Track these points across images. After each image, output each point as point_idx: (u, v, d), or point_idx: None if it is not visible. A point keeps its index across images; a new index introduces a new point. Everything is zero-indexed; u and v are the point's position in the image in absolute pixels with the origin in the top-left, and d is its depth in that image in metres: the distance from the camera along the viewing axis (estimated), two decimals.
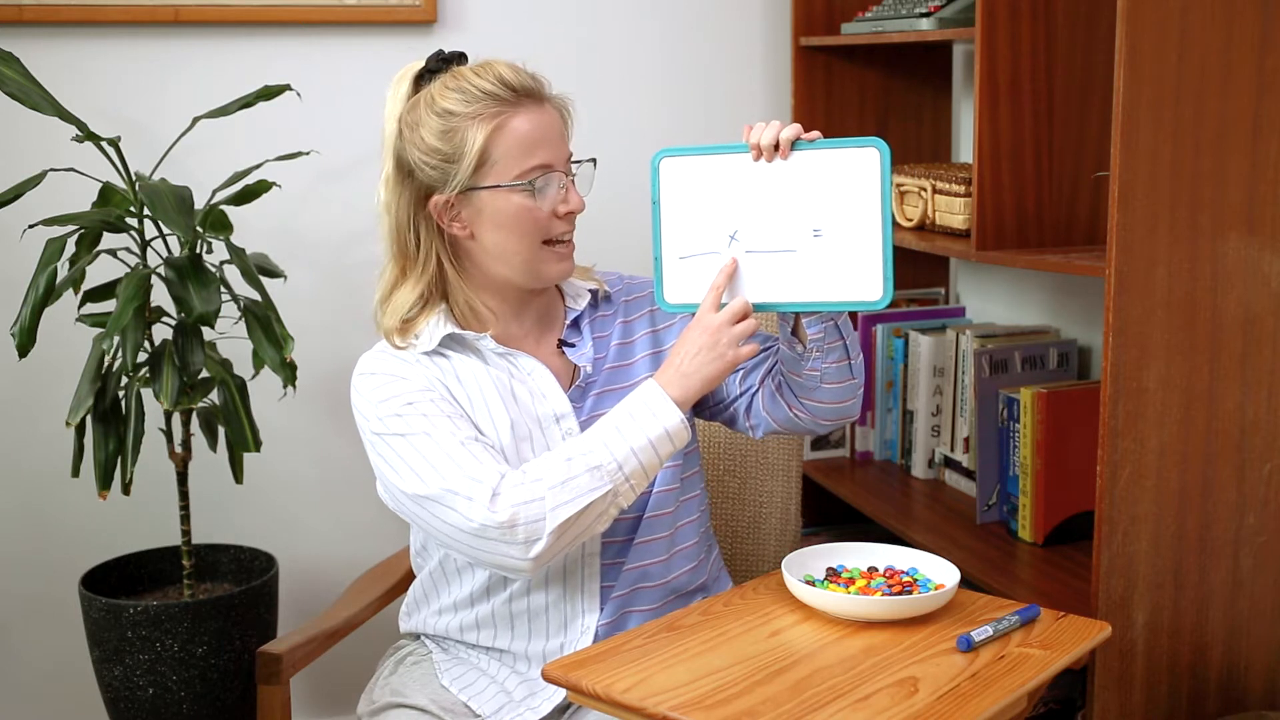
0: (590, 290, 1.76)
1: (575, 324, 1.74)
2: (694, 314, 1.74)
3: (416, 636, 1.83)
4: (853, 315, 1.69)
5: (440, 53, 1.66)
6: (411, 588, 1.82)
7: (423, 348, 1.65)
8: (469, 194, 1.60)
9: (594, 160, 1.68)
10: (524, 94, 1.60)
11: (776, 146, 1.57)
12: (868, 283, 1.56)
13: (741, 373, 1.73)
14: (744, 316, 1.57)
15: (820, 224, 1.57)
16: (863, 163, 1.55)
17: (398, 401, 1.60)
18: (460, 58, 1.66)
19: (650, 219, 1.63)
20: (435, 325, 1.65)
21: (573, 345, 1.73)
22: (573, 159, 1.66)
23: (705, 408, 1.78)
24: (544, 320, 1.73)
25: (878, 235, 1.55)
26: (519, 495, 1.52)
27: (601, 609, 1.68)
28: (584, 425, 1.67)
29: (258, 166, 2.31)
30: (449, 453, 1.55)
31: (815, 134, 1.57)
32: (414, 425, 1.58)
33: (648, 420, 1.55)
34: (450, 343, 1.67)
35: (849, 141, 1.56)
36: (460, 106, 1.59)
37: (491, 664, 1.72)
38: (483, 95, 1.59)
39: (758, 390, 1.72)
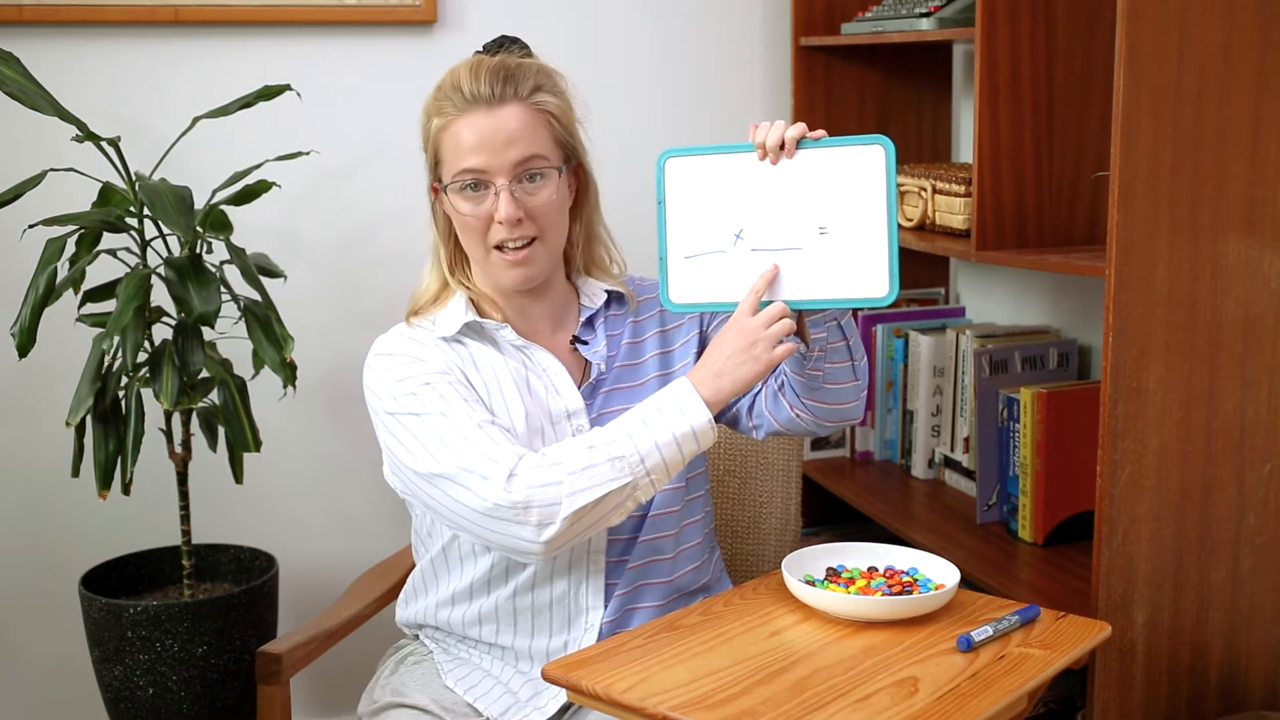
0: (606, 290, 1.76)
1: (589, 322, 1.75)
2: (700, 313, 1.74)
3: (416, 636, 1.83)
4: (854, 315, 1.69)
5: (502, 38, 1.69)
6: (411, 576, 1.82)
7: (441, 332, 1.66)
8: (440, 185, 1.67)
9: (558, 169, 1.64)
10: (475, 99, 1.61)
11: (782, 146, 1.57)
12: (874, 279, 1.56)
13: None
14: (781, 318, 1.56)
15: (826, 222, 1.57)
16: (868, 160, 1.55)
17: (414, 381, 1.60)
18: (515, 43, 1.68)
19: (655, 219, 1.63)
20: (456, 310, 1.67)
21: (585, 343, 1.73)
22: (527, 166, 1.62)
23: None
24: (557, 317, 1.74)
25: (883, 232, 1.55)
26: (537, 477, 1.51)
27: (605, 606, 1.68)
28: (594, 423, 1.67)
29: (258, 166, 2.32)
30: (465, 433, 1.55)
31: (820, 132, 1.57)
32: (430, 405, 1.58)
33: (675, 416, 1.54)
34: (468, 331, 1.67)
35: (854, 139, 1.56)
36: (431, 105, 1.66)
37: (495, 664, 1.72)
38: (445, 97, 1.64)
39: (759, 390, 1.73)
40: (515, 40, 1.69)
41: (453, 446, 1.54)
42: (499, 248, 1.63)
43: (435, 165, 1.66)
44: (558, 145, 1.65)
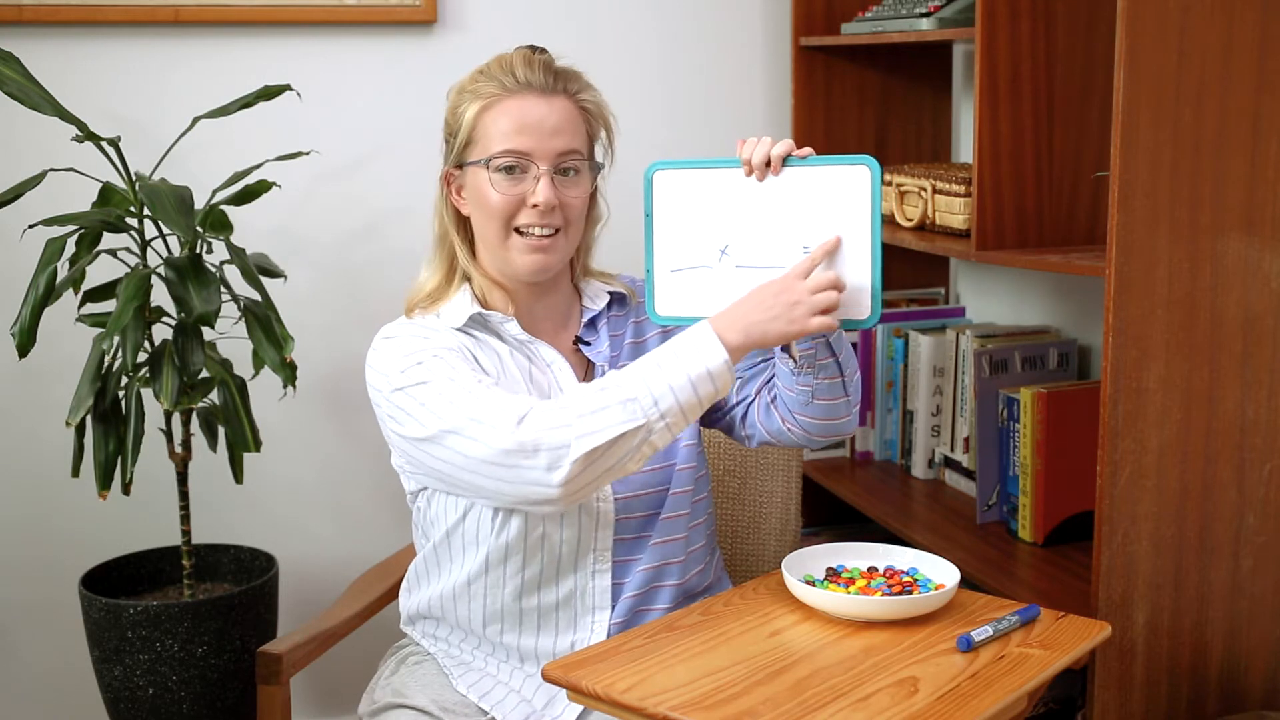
0: (609, 293, 1.76)
1: (592, 323, 1.75)
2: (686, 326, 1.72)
3: (416, 627, 1.82)
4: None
5: (533, 46, 1.70)
6: (412, 564, 1.80)
7: (448, 323, 1.66)
8: (463, 169, 1.66)
9: (597, 164, 1.68)
10: (529, 85, 1.63)
11: (768, 163, 1.57)
12: (856, 301, 1.56)
13: (739, 381, 1.73)
14: (831, 288, 1.52)
15: (810, 241, 1.57)
16: (853, 180, 1.55)
17: (423, 353, 1.59)
18: (544, 52, 1.69)
19: (643, 230, 1.63)
20: (461, 303, 1.67)
21: (589, 344, 1.73)
22: (568, 158, 1.64)
23: (702, 415, 1.78)
24: (559, 318, 1.74)
25: (867, 253, 1.55)
26: (546, 420, 1.48)
27: (613, 606, 1.68)
28: None
29: (258, 166, 2.32)
30: (472, 390, 1.53)
31: (807, 150, 1.58)
32: (437, 372, 1.56)
33: (691, 357, 1.50)
34: (473, 324, 1.68)
35: (840, 159, 1.56)
36: (472, 85, 1.65)
37: (501, 667, 1.71)
38: (492, 78, 1.64)
39: (753, 400, 1.73)
40: (544, 50, 1.70)
41: (459, 402, 1.52)
42: (519, 231, 1.63)
43: (464, 146, 1.65)
44: (591, 147, 1.69)
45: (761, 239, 1.58)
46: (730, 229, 1.59)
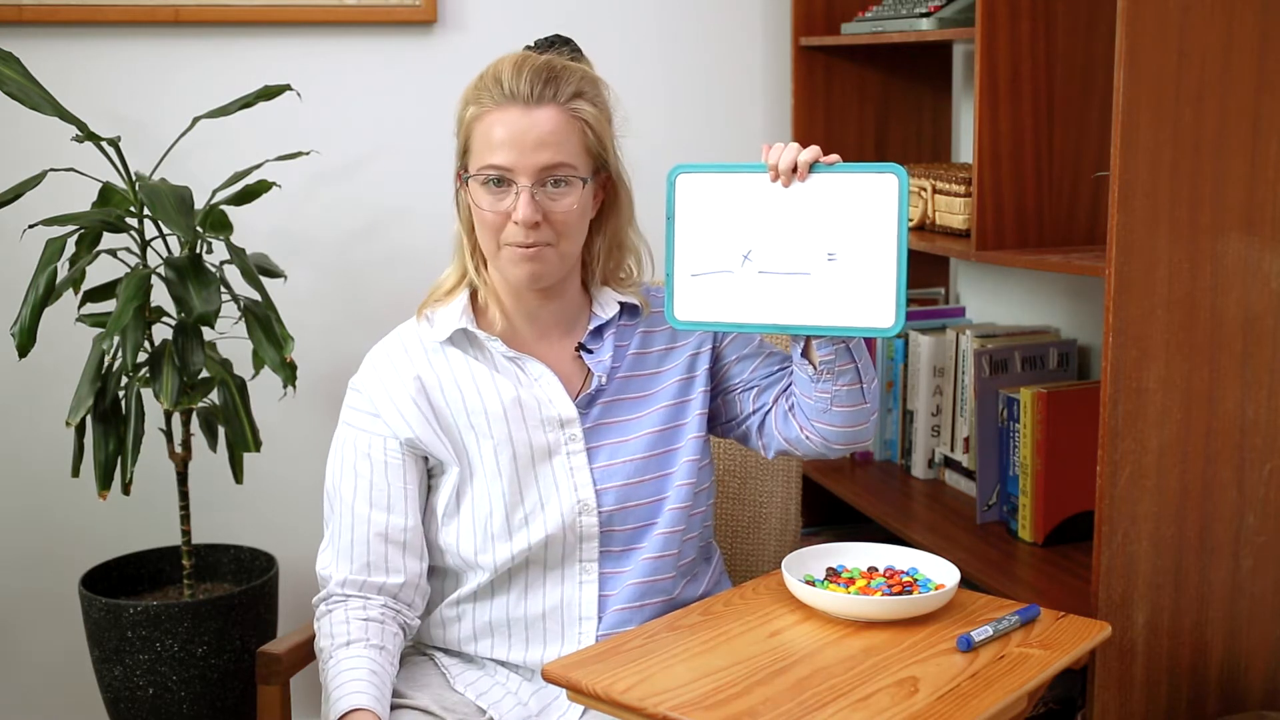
0: (620, 302, 1.73)
1: (599, 331, 1.72)
2: (706, 331, 1.71)
3: (413, 646, 1.82)
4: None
5: (554, 37, 1.69)
6: None
7: (437, 336, 1.66)
8: (464, 176, 1.65)
9: (583, 180, 1.62)
10: (512, 96, 1.59)
11: (795, 169, 1.56)
12: (880, 309, 1.55)
13: (755, 390, 1.73)
14: None
15: (835, 248, 1.56)
16: (880, 189, 1.54)
17: (346, 442, 1.69)
18: (566, 44, 1.68)
19: (664, 234, 1.61)
20: (453, 313, 1.67)
21: (591, 352, 1.71)
22: (552, 172, 1.59)
23: (718, 424, 1.77)
24: (566, 323, 1.71)
25: (892, 262, 1.54)
26: (318, 628, 1.67)
27: (600, 617, 1.67)
28: (589, 433, 1.67)
29: (258, 166, 2.32)
30: (334, 533, 1.69)
31: (834, 157, 1.56)
32: (341, 501, 1.68)
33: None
34: (464, 342, 1.67)
35: (867, 167, 1.55)
36: (472, 90, 1.63)
37: (500, 671, 1.71)
38: (485, 87, 1.61)
39: (770, 409, 1.71)
40: (567, 41, 1.68)
41: (322, 556, 1.70)
42: (511, 244, 1.62)
43: (464, 153, 1.64)
44: (588, 154, 1.62)
45: (785, 245, 1.58)
46: (754, 234, 1.58)
